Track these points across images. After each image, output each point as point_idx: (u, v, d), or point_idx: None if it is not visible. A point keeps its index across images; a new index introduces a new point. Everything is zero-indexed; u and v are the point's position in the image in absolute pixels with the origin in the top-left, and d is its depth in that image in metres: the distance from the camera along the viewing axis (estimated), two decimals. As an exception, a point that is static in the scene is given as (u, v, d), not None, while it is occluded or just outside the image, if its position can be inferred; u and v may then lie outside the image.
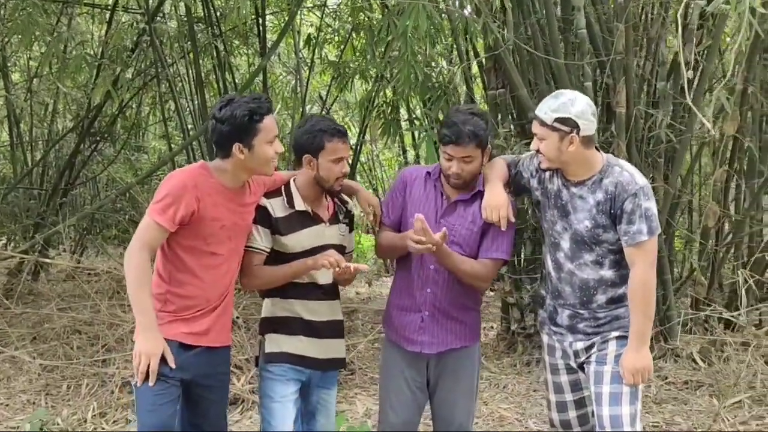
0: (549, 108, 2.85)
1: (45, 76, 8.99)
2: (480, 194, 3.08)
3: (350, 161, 8.82)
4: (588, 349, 2.97)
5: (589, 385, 2.95)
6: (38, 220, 8.27)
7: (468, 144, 2.97)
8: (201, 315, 2.81)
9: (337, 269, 2.92)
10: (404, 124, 8.04)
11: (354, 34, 7.57)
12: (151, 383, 2.66)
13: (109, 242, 10.02)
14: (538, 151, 2.92)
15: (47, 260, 6.13)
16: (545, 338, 3.14)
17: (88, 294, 5.71)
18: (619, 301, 2.93)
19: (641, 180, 2.87)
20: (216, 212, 2.79)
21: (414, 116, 8.28)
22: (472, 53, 6.23)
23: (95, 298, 5.58)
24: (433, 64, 5.76)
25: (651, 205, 2.84)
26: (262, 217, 3.02)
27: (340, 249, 3.11)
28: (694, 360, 5.35)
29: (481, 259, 3.07)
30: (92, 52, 8.37)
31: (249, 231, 2.95)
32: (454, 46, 6.40)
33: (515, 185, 3.16)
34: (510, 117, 5.74)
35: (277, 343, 3.04)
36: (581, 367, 3.01)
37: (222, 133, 2.76)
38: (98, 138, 9.01)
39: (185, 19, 7.44)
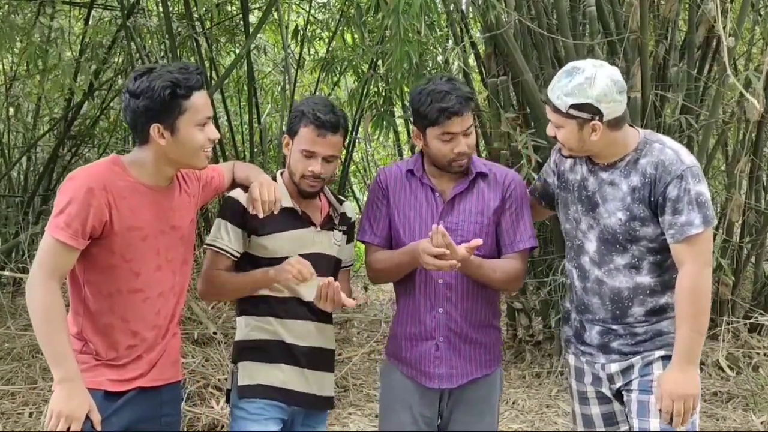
0: (562, 91, 2.30)
1: (24, 78, 8.61)
2: (480, 176, 2.59)
3: (338, 162, 8.37)
4: (625, 372, 2.43)
5: (629, 418, 2.41)
6: (16, 229, 7.89)
7: (468, 111, 2.49)
8: (135, 360, 2.27)
9: (307, 281, 2.36)
10: (399, 120, 7.60)
11: (344, 26, 7.16)
12: None
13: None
14: (555, 137, 2.40)
15: (5, 273, 5.66)
16: (571, 359, 2.59)
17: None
18: (661, 312, 2.40)
19: (688, 158, 2.33)
20: (134, 219, 2.22)
21: (409, 111, 7.85)
22: (468, 42, 5.79)
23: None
24: (426, 51, 5.28)
25: (703, 188, 2.30)
26: (233, 211, 2.50)
27: (333, 261, 2.59)
28: (721, 368, 4.88)
29: (508, 256, 2.57)
30: (70, 52, 7.98)
31: (187, 240, 2.39)
32: (450, 35, 5.98)
33: (545, 198, 2.67)
34: (512, 107, 5.29)
35: (251, 373, 2.50)
36: (618, 395, 2.47)
37: (137, 110, 2.18)
38: (78, 141, 8.61)
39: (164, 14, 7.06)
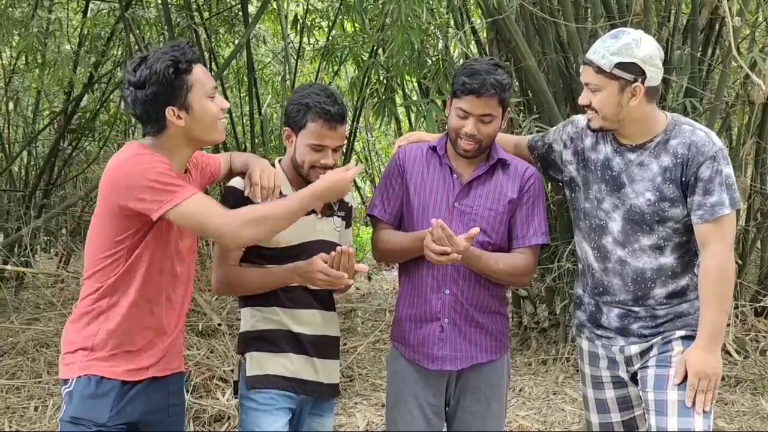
0: (608, 50, 2.30)
1: (23, 72, 8.57)
2: (500, 164, 2.56)
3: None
4: (644, 353, 2.42)
5: (643, 393, 2.39)
6: (18, 224, 7.87)
7: (491, 97, 2.44)
8: (150, 347, 2.26)
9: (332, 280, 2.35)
10: (400, 109, 7.56)
11: (343, 14, 7.10)
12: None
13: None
14: (588, 106, 2.37)
15: (8, 268, 5.65)
16: (584, 344, 2.57)
17: (52, 303, 5.23)
18: (681, 294, 2.40)
19: (718, 141, 2.34)
20: None
21: (411, 101, 7.80)
22: (469, 29, 5.74)
23: (61, 307, 5.09)
24: (428, 36, 5.24)
25: (731, 171, 2.32)
26: (234, 201, 2.45)
27: (334, 247, 2.55)
28: (728, 353, 4.85)
29: (517, 250, 2.55)
30: (68, 44, 7.94)
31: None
32: (450, 22, 5.93)
33: (543, 161, 2.64)
34: (515, 93, 5.25)
35: (260, 364, 2.49)
36: (633, 377, 2.45)
37: (146, 100, 2.15)
38: (79, 135, 8.58)
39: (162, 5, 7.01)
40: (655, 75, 2.32)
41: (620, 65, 2.29)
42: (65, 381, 2.22)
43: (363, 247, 10.18)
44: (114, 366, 2.20)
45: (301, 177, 2.52)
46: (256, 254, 2.50)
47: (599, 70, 2.32)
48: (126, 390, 2.21)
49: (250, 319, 2.54)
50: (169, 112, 2.16)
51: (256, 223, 2.16)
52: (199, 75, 2.19)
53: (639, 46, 2.29)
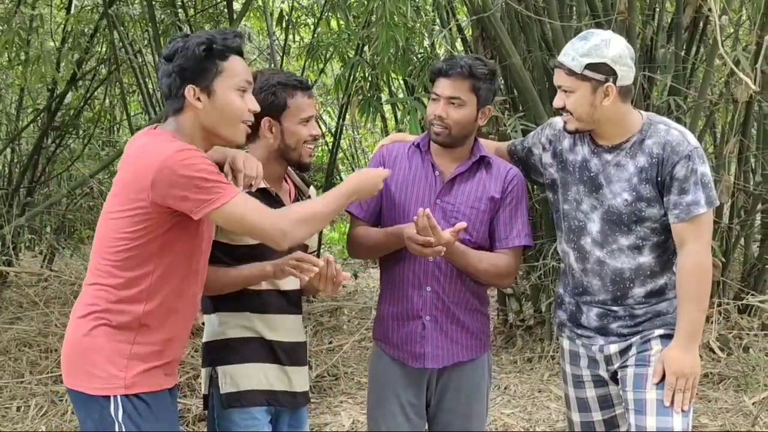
0: (577, 52, 2.30)
1: (6, 69, 8.49)
2: (483, 161, 2.56)
3: (329, 149, 8.25)
4: (624, 352, 2.42)
5: (623, 392, 2.40)
6: (1, 222, 7.81)
7: (460, 79, 2.44)
8: (179, 347, 2.19)
9: (308, 275, 2.24)
10: (386, 107, 7.55)
11: (329, 12, 7.08)
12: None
13: (87, 242, 9.54)
14: (562, 109, 2.37)
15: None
16: (565, 343, 2.57)
17: (35, 302, 5.18)
18: (660, 293, 2.40)
19: (693, 139, 2.35)
20: None
21: (397, 98, 7.80)
22: (455, 26, 5.74)
23: (43, 307, 5.05)
24: (413, 33, 5.23)
25: (707, 169, 2.32)
26: None
27: (303, 246, 2.46)
28: (711, 350, 4.87)
29: (500, 251, 2.54)
30: (52, 41, 7.88)
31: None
32: (436, 19, 5.93)
33: (524, 165, 2.64)
34: (500, 90, 5.25)
35: (234, 379, 2.35)
36: (614, 376, 2.46)
37: (170, 73, 2.03)
38: (62, 132, 8.51)
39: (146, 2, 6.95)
40: (626, 74, 2.32)
41: (590, 66, 2.29)
42: (104, 398, 2.04)
43: (337, 245, 10.16)
44: (157, 378, 2.09)
45: (284, 166, 2.45)
46: (225, 252, 2.37)
47: (570, 73, 2.32)
48: (172, 398, 2.17)
49: (219, 327, 2.39)
50: (189, 91, 2.05)
51: (306, 221, 2.11)
52: (235, 66, 2.08)
53: (608, 46, 2.30)
